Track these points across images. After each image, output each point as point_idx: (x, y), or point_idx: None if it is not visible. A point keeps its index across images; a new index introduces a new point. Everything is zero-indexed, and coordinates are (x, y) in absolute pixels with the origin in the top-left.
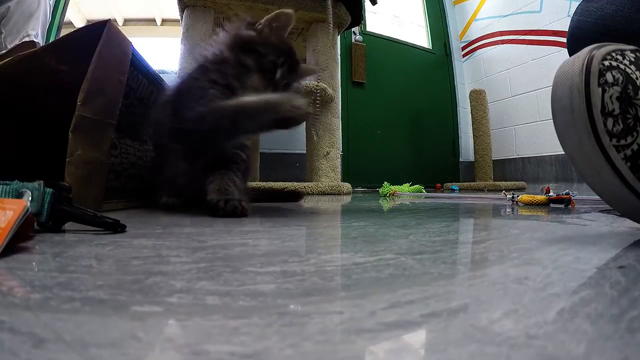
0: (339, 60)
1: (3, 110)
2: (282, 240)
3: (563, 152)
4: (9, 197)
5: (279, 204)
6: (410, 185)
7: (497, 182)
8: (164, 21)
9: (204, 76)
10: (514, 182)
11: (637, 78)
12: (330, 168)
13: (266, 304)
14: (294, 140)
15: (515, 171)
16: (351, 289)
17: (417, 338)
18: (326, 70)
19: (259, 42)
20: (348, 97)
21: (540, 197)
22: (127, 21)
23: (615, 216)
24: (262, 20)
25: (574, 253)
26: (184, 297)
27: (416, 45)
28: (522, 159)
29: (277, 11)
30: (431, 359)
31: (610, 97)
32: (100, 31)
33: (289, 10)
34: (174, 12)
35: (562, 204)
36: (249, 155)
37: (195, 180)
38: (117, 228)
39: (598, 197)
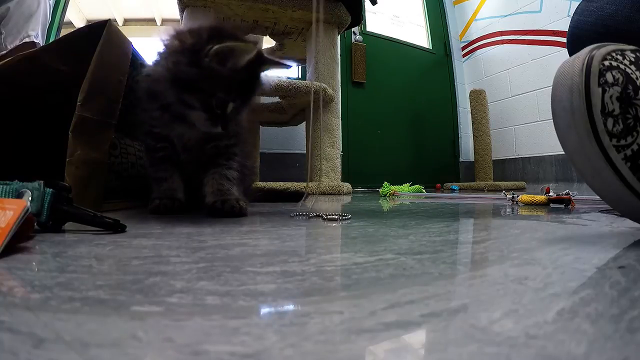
0: (339, 60)
1: (3, 110)
2: (282, 240)
3: (563, 152)
4: (9, 197)
5: (280, 203)
6: (410, 185)
7: (497, 182)
8: (164, 21)
9: (148, 96)
10: (514, 182)
11: (637, 78)
12: (330, 168)
13: (266, 304)
14: (294, 140)
15: (515, 171)
16: (351, 289)
17: (417, 338)
18: (326, 71)
19: (204, 79)
20: (348, 97)
21: (540, 197)
22: (127, 21)
23: (615, 216)
24: (209, 50)
25: (574, 253)
26: (184, 297)
27: (416, 45)
28: (522, 159)
29: (231, 44)
30: (431, 359)
31: (610, 97)
32: (100, 31)
33: (245, 45)
34: (174, 12)
35: (562, 204)
36: (252, 156)
37: (189, 181)
38: (117, 228)
39: (598, 197)
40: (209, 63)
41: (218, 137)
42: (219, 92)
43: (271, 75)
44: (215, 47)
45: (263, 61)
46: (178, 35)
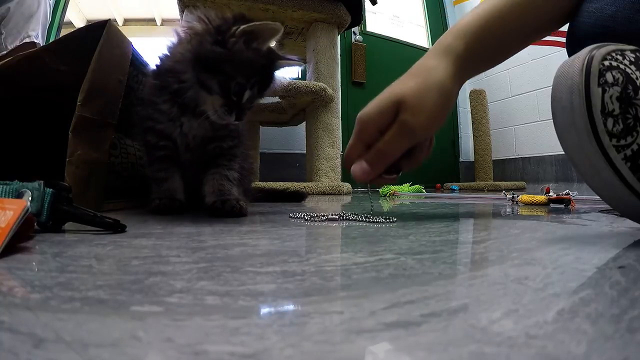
0: (339, 60)
1: (3, 110)
2: (282, 240)
3: (563, 152)
4: (9, 197)
5: (280, 204)
6: (410, 185)
7: (497, 182)
8: (164, 21)
9: (156, 90)
10: (514, 182)
11: (637, 78)
12: (330, 168)
13: (266, 304)
14: (294, 140)
15: (515, 171)
16: (351, 289)
17: (417, 338)
18: (326, 71)
19: (227, 60)
20: (348, 97)
21: (540, 197)
22: (127, 21)
23: (615, 216)
24: (236, 30)
25: (574, 253)
26: (184, 297)
27: (416, 45)
28: (522, 159)
29: (259, 23)
30: (431, 359)
31: (610, 97)
32: (100, 31)
33: (275, 24)
34: (174, 12)
35: (562, 204)
36: (251, 156)
37: (189, 181)
38: (117, 228)
39: (598, 197)
40: (235, 43)
41: (221, 138)
42: (239, 77)
43: (281, 74)
44: (243, 26)
45: (277, 57)
46: (203, 18)
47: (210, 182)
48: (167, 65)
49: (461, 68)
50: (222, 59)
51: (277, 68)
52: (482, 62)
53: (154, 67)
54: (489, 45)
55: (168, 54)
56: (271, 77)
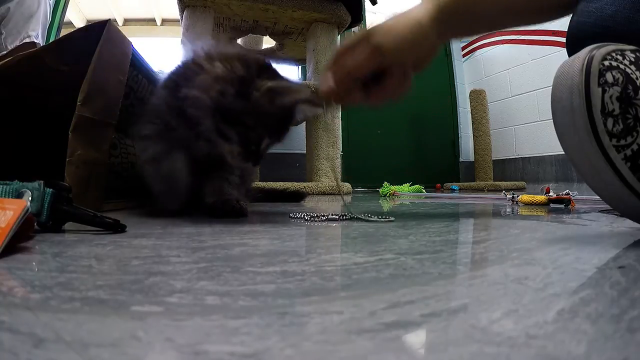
0: None
1: (3, 110)
2: (282, 240)
3: (563, 152)
4: (9, 197)
5: (280, 204)
6: (410, 185)
7: (497, 182)
8: (164, 21)
9: (173, 114)
10: (514, 182)
11: (637, 78)
12: (330, 168)
13: (266, 304)
14: (294, 140)
15: (515, 171)
16: (351, 289)
17: (417, 338)
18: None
19: (249, 114)
20: None
21: (540, 197)
22: (127, 21)
23: (615, 216)
24: (262, 86)
25: (574, 253)
26: (184, 297)
27: None
28: (522, 159)
29: (286, 86)
30: (431, 359)
31: (610, 97)
32: (100, 31)
33: (304, 89)
34: (174, 12)
35: (562, 204)
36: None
37: (191, 182)
38: (117, 228)
39: (598, 197)
40: (259, 98)
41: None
42: (260, 129)
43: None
44: (269, 84)
45: (299, 102)
46: (224, 61)
47: (210, 183)
48: (183, 108)
49: (442, 14)
50: (244, 112)
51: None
52: (466, 21)
53: (168, 81)
54: (471, 8)
55: (185, 92)
56: (290, 122)
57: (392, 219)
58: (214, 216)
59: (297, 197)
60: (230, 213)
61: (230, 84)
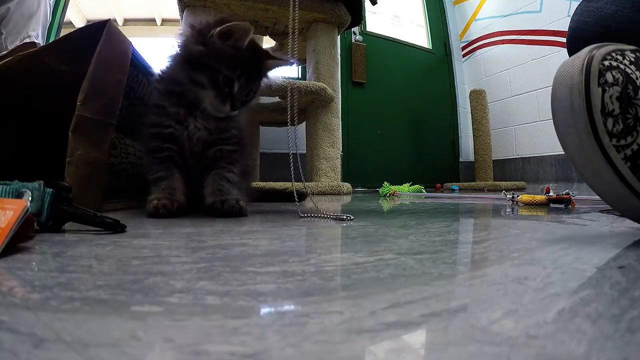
0: (339, 60)
1: (3, 110)
2: (282, 240)
3: (563, 152)
4: (9, 197)
5: (280, 204)
6: (410, 185)
7: (497, 182)
8: (164, 21)
9: (162, 94)
10: (514, 182)
11: (637, 78)
12: (330, 168)
13: (266, 304)
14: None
15: (515, 171)
16: (351, 289)
17: (417, 338)
18: (326, 71)
19: (210, 56)
20: (348, 97)
21: (540, 197)
22: (127, 21)
23: (615, 216)
24: (213, 31)
25: (574, 253)
26: (184, 297)
27: (416, 45)
28: (522, 159)
29: (231, 24)
30: (431, 359)
31: (610, 97)
32: (100, 31)
33: (244, 24)
34: (174, 12)
35: (562, 204)
36: (252, 156)
37: (190, 186)
38: (117, 228)
39: (598, 197)
40: (213, 42)
41: (222, 141)
42: (224, 69)
43: (276, 74)
44: (218, 28)
45: (261, 53)
46: (190, 25)
47: (210, 183)
48: (169, 72)
49: None
50: (205, 55)
51: (268, 67)
52: None
53: (159, 73)
54: None
55: (171, 61)
56: (258, 71)
57: (352, 217)
58: (214, 216)
59: (298, 197)
60: (229, 213)
61: (192, 37)
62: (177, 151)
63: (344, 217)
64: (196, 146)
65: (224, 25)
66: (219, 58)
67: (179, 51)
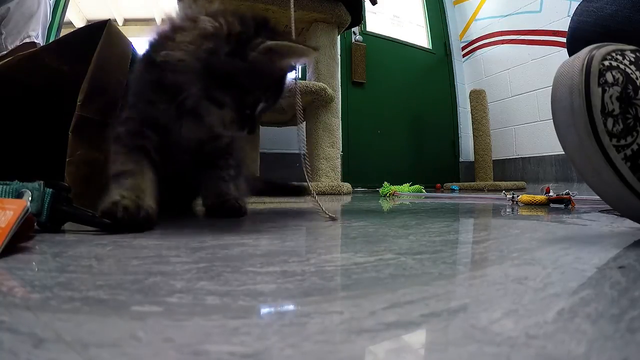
0: (339, 60)
1: (3, 110)
2: (282, 240)
3: (563, 152)
4: (9, 197)
5: (280, 204)
6: (410, 185)
7: (497, 182)
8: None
9: (151, 86)
10: (514, 182)
11: (637, 78)
12: (330, 168)
13: (266, 304)
14: (294, 140)
15: (515, 171)
16: (351, 289)
17: (417, 338)
18: (326, 71)
19: (246, 75)
20: (348, 97)
21: (540, 197)
22: (127, 21)
23: (615, 216)
24: (260, 44)
25: (574, 253)
26: (184, 297)
27: (416, 45)
28: (522, 159)
29: (288, 45)
30: (431, 359)
31: (610, 97)
32: (100, 31)
33: (306, 50)
34: None
35: (562, 204)
36: (242, 147)
37: (175, 184)
38: (116, 228)
39: (598, 197)
40: (258, 58)
41: (218, 136)
42: (257, 91)
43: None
44: (270, 43)
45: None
46: (214, 17)
47: (208, 184)
48: (163, 76)
49: None
50: (240, 73)
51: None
52: None
53: (146, 55)
54: None
55: (168, 50)
56: (284, 84)
57: (336, 217)
58: (213, 216)
59: (298, 192)
60: (229, 213)
61: (224, 41)
62: (158, 143)
63: (329, 215)
64: (191, 143)
65: (279, 43)
66: (257, 78)
67: (186, 53)
